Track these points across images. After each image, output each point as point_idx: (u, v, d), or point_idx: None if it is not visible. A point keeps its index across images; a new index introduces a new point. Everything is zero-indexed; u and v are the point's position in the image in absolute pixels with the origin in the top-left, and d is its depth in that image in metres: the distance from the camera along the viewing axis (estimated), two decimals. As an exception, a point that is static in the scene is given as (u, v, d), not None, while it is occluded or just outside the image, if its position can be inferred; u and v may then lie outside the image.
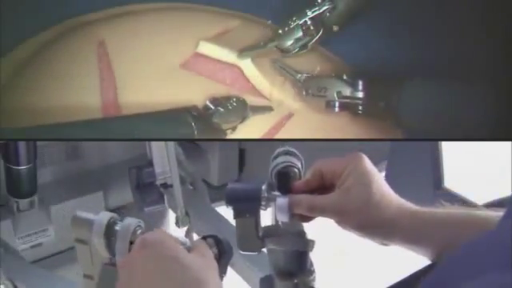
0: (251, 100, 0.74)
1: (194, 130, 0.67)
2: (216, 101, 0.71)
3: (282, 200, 0.58)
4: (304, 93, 0.74)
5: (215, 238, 0.54)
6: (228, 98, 0.71)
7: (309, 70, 0.75)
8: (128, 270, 0.48)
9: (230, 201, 0.59)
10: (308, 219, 0.60)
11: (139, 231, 0.58)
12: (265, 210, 0.60)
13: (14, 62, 0.76)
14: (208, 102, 0.71)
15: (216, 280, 0.49)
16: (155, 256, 0.48)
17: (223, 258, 0.54)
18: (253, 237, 0.60)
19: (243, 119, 0.72)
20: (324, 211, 0.57)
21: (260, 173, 0.69)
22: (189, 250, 0.50)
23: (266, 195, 0.58)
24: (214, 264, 0.51)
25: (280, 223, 0.62)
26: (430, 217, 0.55)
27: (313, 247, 0.63)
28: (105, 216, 0.60)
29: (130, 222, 0.58)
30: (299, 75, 0.74)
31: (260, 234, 0.60)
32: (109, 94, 0.71)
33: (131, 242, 0.57)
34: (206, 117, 0.69)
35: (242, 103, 0.72)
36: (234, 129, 0.71)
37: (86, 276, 0.64)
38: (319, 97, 0.73)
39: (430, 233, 0.55)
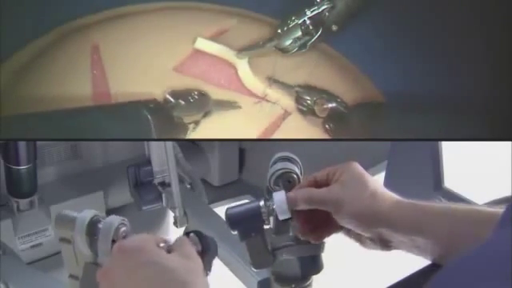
0: (243, 99, 0.74)
1: (151, 123, 0.65)
2: (176, 94, 0.70)
3: (280, 196, 0.58)
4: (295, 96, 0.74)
5: (198, 233, 0.53)
6: (189, 91, 0.70)
7: (303, 80, 0.76)
8: (108, 281, 0.47)
9: (233, 225, 0.59)
10: (319, 238, 0.61)
11: (123, 229, 0.57)
12: (268, 224, 0.61)
13: (12, 67, 0.76)
14: (168, 95, 0.69)
15: (202, 280, 0.48)
16: (135, 263, 0.46)
17: (207, 255, 0.53)
18: (264, 253, 0.61)
19: (206, 113, 0.71)
20: (321, 202, 0.58)
21: (260, 173, 0.69)
22: (170, 249, 0.49)
23: (266, 210, 0.59)
24: (199, 263, 0.50)
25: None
26: (429, 209, 0.56)
27: (324, 248, 0.63)
28: (88, 214, 0.59)
29: (113, 219, 0.57)
30: (295, 88, 0.75)
31: (269, 248, 0.61)
32: (102, 99, 0.71)
33: (114, 241, 0.56)
34: (166, 110, 0.68)
35: (203, 97, 0.71)
36: (196, 123, 0.70)
37: (71, 276, 0.63)
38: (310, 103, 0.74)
39: (430, 224, 0.55)
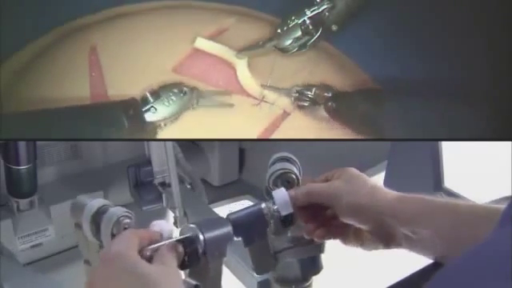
0: (242, 100, 0.73)
1: (126, 128, 0.66)
2: (155, 93, 0.69)
3: (281, 191, 0.58)
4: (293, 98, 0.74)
5: (187, 242, 0.53)
6: (168, 88, 0.70)
7: (303, 80, 0.75)
8: None
9: (237, 231, 0.57)
10: (324, 237, 0.61)
11: (125, 221, 0.57)
12: (268, 226, 0.60)
13: (12, 67, 0.76)
14: (148, 94, 0.69)
15: (178, 283, 0.49)
16: (115, 272, 0.48)
17: (193, 261, 0.53)
18: (267, 258, 0.61)
19: (188, 108, 0.70)
20: (321, 194, 0.58)
21: (260, 173, 0.69)
22: (151, 256, 0.50)
23: (267, 212, 0.59)
24: (175, 271, 0.51)
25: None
26: (431, 201, 0.57)
27: (324, 248, 0.63)
28: (96, 203, 0.59)
29: (115, 211, 0.58)
30: (294, 88, 0.74)
31: (271, 251, 0.61)
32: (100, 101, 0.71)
33: (113, 234, 0.56)
34: (141, 114, 0.68)
35: (182, 93, 0.70)
36: (176, 118, 0.70)
37: (85, 261, 0.64)
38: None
39: (432, 215, 0.56)
